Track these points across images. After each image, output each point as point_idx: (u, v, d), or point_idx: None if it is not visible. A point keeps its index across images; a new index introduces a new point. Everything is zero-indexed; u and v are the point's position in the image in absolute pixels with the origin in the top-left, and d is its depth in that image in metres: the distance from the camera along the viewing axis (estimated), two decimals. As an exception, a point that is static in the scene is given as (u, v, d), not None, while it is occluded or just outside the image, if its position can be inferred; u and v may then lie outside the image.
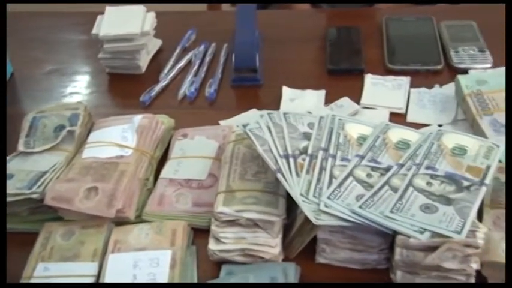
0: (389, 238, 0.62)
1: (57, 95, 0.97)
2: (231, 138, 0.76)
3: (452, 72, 0.91)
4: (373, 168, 0.67)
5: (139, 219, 0.72)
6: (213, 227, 0.65)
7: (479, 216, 0.64)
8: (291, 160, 0.67)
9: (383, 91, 0.90)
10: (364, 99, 0.89)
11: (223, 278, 0.64)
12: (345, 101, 0.88)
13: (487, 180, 0.64)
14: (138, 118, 0.79)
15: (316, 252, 0.66)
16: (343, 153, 0.69)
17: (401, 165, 0.67)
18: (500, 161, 0.69)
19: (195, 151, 0.79)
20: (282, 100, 0.90)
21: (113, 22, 0.96)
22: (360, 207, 0.62)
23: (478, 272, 0.60)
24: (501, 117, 0.77)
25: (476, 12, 1.04)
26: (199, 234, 0.70)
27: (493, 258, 0.60)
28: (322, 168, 0.67)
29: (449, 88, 0.88)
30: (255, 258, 0.64)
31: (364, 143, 0.70)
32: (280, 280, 0.61)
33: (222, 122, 0.86)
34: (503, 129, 0.76)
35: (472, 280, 0.60)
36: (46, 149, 0.77)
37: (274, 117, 0.72)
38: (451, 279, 0.60)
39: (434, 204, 0.62)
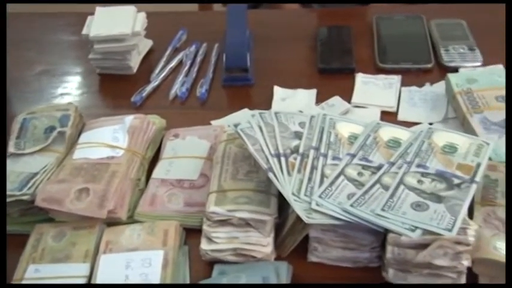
0: (380, 236, 0.63)
1: (48, 96, 0.97)
2: (223, 138, 0.76)
3: (443, 70, 0.92)
4: (364, 167, 0.67)
5: (131, 220, 0.71)
6: (205, 227, 0.65)
7: (470, 213, 0.65)
8: (283, 159, 0.67)
9: (374, 90, 0.90)
10: (355, 98, 0.89)
11: (215, 277, 0.64)
12: (336, 100, 0.88)
13: (478, 178, 0.65)
14: (129, 119, 0.79)
15: (308, 251, 0.66)
16: (334, 152, 0.69)
17: (392, 164, 0.67)
18: (490, 159, 0.69)
19: (186, 151, 0.79)
20: (273, 100, 0.90)
21: (103, 23, 0.96)
22: (352, 205, 0.62)
23: (469, 269, 0.61)
24: (491, 115, 0.78)
25: (466, 11, 1.04)
26: (192, 234, 0.70)
27: (483, 255, 0.60)
28: (313, 167, 0.67)
29: (440, 86, 0.88)
30: (247, 257, 0.64)
31: (355, 142, 0.71)
32: (273, 279, 0.62)
33: (213, 122, 0.86)
34: (494, 127, 0.76)
35: (463, 277, 0.61)
36: (37, 150, 0.77)
37: (266, 116, 0.72)
38: (442, 277, 0.60)
39: (425, 202, 0.62)
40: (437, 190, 0.63)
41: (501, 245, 0.61)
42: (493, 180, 0.69)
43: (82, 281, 0.64)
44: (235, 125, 0.70)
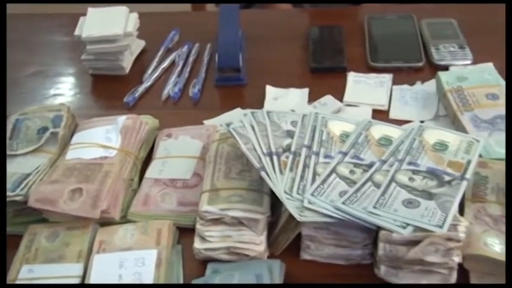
0: (372, 233, 0.63)
1: (41, 97, 0.97)
2: (215, 137, 0.77)
3: (433, 69, 0.92)
4: (356, 165, 0.68)
5: (125, 220, 0.72)
6: (198, 226, 0.65)
7: (461, 210, 0.65)
8: (275, 158, 0.67)
9: (365, 89, 0.91)
10: (347, 97, 0.89)
11: (208, 276, 0.64)
12: (328, 99, 0.89)
13: (468, 175, 0.65)
14: (122, 119, 0.79)
15: (301, 249, 0.66)
16: (326, 150, 0.70)
17: (384, 161, 0.67)
18: (480, 156, 0.70)
19: (179, 151, 0.80)
20: (265, 99, 0.91)
21: (95, 23, 0.96)
22: (344, 203, 0.62)
23: (460, 265, 0.61)
24: (481, 113, 0.78)
25: (456, 10, 1.05)
26: (185, 233, 0.70)
27: (474, 251, 0.61)
28: (305, 166, 0.67)
29: (431, 85, 0.89)
30: (241, 256, 0.65)
31: (347, 140, 0.71)
32: (266, 277, 0.62)
33: (206, 122, 0.87)
34: (484, 125, 0.77)
35: (455, 273, 0.61)
36: (29, 151, 0.77)
37: (258, 115, 0.73)
38: (433, 273, 0.61)
39: (416, 199, 0.63)
40: (429, 187, 0.64)
41: (491, 241, 0.61)
42: (483, 177, 0.69)
43: (76, 281, 0.64)
44: (228, 125, 0.71)
